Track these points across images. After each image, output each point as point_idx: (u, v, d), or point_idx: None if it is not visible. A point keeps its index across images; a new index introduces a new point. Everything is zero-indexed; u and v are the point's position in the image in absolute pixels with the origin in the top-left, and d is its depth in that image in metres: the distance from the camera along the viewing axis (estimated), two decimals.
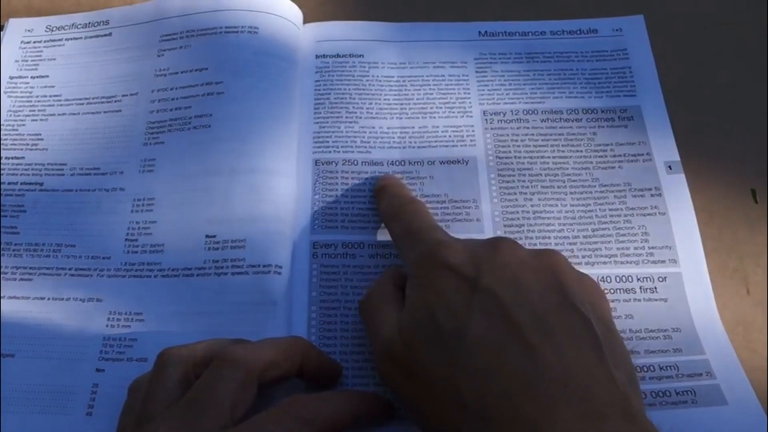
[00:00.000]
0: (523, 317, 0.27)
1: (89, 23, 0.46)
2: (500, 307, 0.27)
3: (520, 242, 0.37)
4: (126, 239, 0.38)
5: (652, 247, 0.37)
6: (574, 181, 0.40)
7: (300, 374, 0.31)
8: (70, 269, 0.37)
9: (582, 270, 0.36)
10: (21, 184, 0.41)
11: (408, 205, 0.36)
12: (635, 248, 0.37)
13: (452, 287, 0.28)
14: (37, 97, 0.44)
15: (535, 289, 0.28)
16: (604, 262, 0.37)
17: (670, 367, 0.33)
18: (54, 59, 0.45)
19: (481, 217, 0.38)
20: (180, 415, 0.27)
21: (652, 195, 0.39)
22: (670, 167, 0.40)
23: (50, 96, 0.44)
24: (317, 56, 0.45)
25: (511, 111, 0.42)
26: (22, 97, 0.44)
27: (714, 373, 0.33)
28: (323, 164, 0.40)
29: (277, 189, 0.38)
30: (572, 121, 0.42)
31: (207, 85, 0.42)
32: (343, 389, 0.33)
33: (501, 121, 0.42)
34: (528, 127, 0.42)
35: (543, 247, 0.37)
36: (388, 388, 0.31)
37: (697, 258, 0.37)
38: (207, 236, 0.37)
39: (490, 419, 0.25)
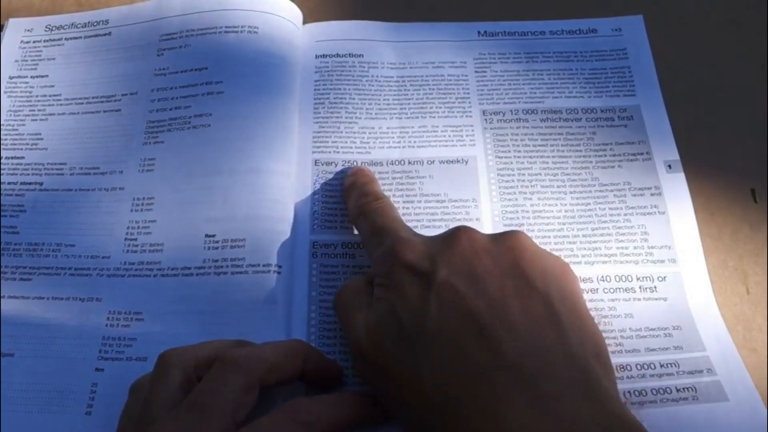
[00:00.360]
0: (479, 305, 0.27)
1: (88, 23, 0.47)
2: (456, 298, 0.28)
3: None
4: (125, 238, 0.38)
5: (652, 247, 0.37)
6: (573, 180, 0.40)
7: (301, 377, 0.31)
8: (69, 269, 0.37)
9: (582, 269, 0.36)
10: (21, 183, 0.41)
11: (374, 203, 0.36)
12: (635, 247, 0.37)
13: (410, 284, 0.29)
14: (36, 96, 0.44)
15: (492, 275, 0.28)
16: (604, 262, 0.37)
17: (670, 364, 0.33)
18: (53, 59, 0.45)
19: (480, 217, 0.38)
20: (182, 418, 0.27)
21: (651, 194, 0.39)
22: (669, 166, 0.40)
23: (50, 95, 0.44)
24: (317, 56, 0.45)
25: (511, 111, 0.42)
26: (21, 96, 0.44)
27: (715, 369, 0.33)
28: (323, 164, 0.40)
29: (276, 189, 0.38)
30: (572, 121, 0.42)
31: (207, 85, 0.42)
32: (343, 391, 0.33)
33: (500, 120, 0.42)
34: (527, 127, 0.42)
35: (542, 246, 0.37)
36: (366, 385, 0.32)
37: (697, 257, 0.37)
38: (206, 236, 0.37)
39: (453, 412, 0.26)
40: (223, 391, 0.27)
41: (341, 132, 0.42)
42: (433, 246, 0.30)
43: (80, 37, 0.46)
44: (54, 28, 0.47)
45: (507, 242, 0.30)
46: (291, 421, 0.27)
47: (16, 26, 0.47)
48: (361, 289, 0.32)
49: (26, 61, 0.46)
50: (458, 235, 0.30)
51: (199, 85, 0.42)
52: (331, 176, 0.40)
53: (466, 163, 0.40)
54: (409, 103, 0.43)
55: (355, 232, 0.38)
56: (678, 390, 0.32)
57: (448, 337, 0.27)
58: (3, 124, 0.43)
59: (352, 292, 0.32)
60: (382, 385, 0.29)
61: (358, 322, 0.30)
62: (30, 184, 0.41)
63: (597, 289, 0.36)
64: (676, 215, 0.38)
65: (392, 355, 0.28)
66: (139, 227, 0.38)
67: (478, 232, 0.31)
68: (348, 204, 0.38)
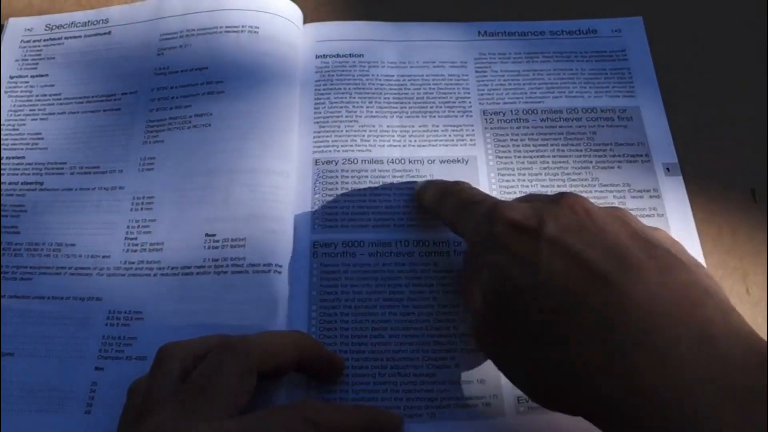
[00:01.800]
0: (595, 255, 0.26)
1: (88, 22, 0.46)
2: (571, 252, 0.26)
3: None
4: (125, 238, 0.38)
5: None
6: (573, 180, 0.40)
7: (301, 367, 0.31)
8: (69, 268, 0.37)
9: None
10: (21, 183, 0.41)
11: (455, 185, 0.35)
12: None
13: (518, 242, 0.27)
14: (36, 96, 0.44)
15: (606, 231, 0.27)
16: None
17: None
18: (53, 58, 0.45)
19: None
20: (181, 401, 0.27)
21: (650, 196, 0.39)
22: (668, 169, 0.40)
23: (50, 95, 0.44)
24: (317, 56, 0.45)
25: (511, 111, 0.42)
26: (22, 96, 0.44)
27: None
28: (323, 163, 0.40)
29: (277, 188, 0.38)
30: (572, 120, 0.42)
31: (207, 84, 0.42)
32: (357, 404, 0.33)
33: (501, 120, 0.42)
34: (528, 127, 0.42)
35: None
36: (490, 355, 0.30)
37: (697, 257, 0.37)
38: (207, 235, 0.37)
39: (581, 358, 0.24)
40: (222, 375, 0.27)
41: (341, 131, 0.42)
42: (537, 206, 0.29)
43: (80, 36, 0.46)
44: (54, 28, 0.47)
45: (614, 211, 0.29)
46: (298, 417, 0.27)
47: (16, 26, 0.47)
48: (474, 258, 0.30)
49: (26, 60, 0.45)
50: (566, 197, 0.29)
51: (200, 85, 0.42)
52: (331, 175, 0.40)
53: (467, 162, 0.40)
54: (409, 103, 0.43)
55: (359, 231, 0.38)
56: None
57: (567, 287, 0.25)
58: (3, 124, 0.43)
59: (467, 263, 0.31)
60: (503, 349, 0.28)
61: (473, 291, 0.29)
62: (30, 183, 0.41)
63: None
64: (675, 218, 0.38)
65: (512, 316, 0.27)
66: (139, 226, 0.38)
67: (584, 198, 0.29)
68: (426, 196, 0.37)
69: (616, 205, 0.39)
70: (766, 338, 0.24)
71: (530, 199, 0.30)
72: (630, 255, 0.25)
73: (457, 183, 0.36)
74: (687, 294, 0.24)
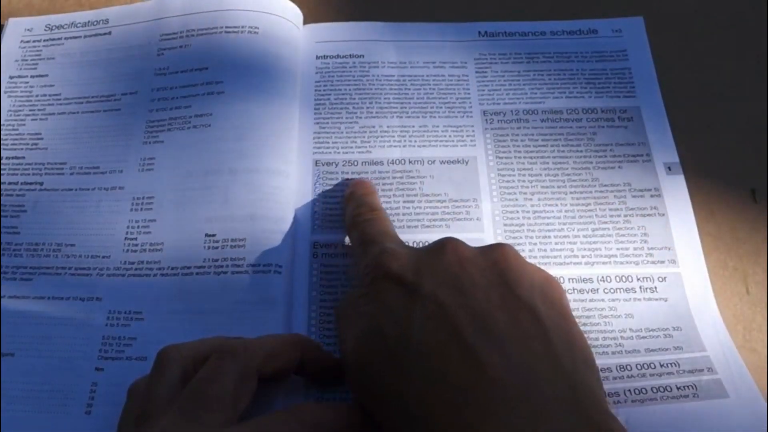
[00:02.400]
0: (464, 319, 0.27)
1: (88, 22, 0.46)
2: (441, 311, 0.27)
3: (520, 241, 0.37)
4: (125, 238, 0.38)
5: (652, 248, 0.37)
6: (574, 180, 0.40)
7: (300, 370, 0.31)
8: (69, 268, 0.37)
9: (582, 269, 0.36)
10: (21, 183, 0.41)
11: (367, 214, 0.35)
12: (635, 248, 0.37)
13: (395, 296, 0.28)
14: (36, 96, 0.44)
15: (477, 287, 0.28)
16: (604, 262, 0.37)
17: (670, 364, 0.33)
18: (53, 58, 0.45)
19: (481, 217, 0.38)
20: (181, 408, 0.27)
21: (651, 196, 0.39)
22: (669, 168, 0.40)
23: (50, 95, 0.44)
24: (317, 57, 0.45)
25: (511, 111, 0.42)
26: (22, 96, 0.44)
27: (715, 368, 0.33)
28: (324, 164, 0.40)
29: (277, 189, 0.38)
30: (572, 121, 0.42)
31: (207, 85, 0.42)
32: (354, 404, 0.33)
33: (501, 121, 0.42)
34: (528, 127, 0.42)
35: (542, 246, 0.37)
36: (354, 396, 0.31)
37: (697, 258, 0.37)
38: (206, 235, 0.37)
39: (435, 429, 0.25)
40: (222, 380, 0.27)
41: (342, 132, 0.42)
42: (419, 258, 0.30)
43: (80, 37, 0.46)
44: (54, 28, 0.47)
45: (493, 255, 0.29)
46: (296, 421, 0.27)
47: (15, 26, 0.47)
48: (355, 301, 0.31)
49: (26, 60, 0.45)
50: (444, 246, 0.30)
51: (200, 85, 0.42)
52: (332, 176, 0.40)
53: (467, 163, 0.40)
54: (409, 103, 0.43)
55: None
56: (678, 388, 0.32)
57: (433, 352, 0.26)
58: (3, 124, 0.43)
59: (348, 303, 0.32)
60: (367, 397, 0.29)
61: (347, 335, 0.30)
62: (30, 184, 0.41)
63: (597, 289, 0.36)
64: (676, 217, 0.38)
65: (377, 369, 0.27)
66: (139, 227, 0.38)
67: (464, 244, 0.30)
68: (344, 214, 0.38)
69: (616, 204, 0.39)
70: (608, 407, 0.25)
71: (414, 249, 0.32)
72: (495, 325, 0.26)
73: (370, 211, 0.36)
74: (535, 369, 0.25)
